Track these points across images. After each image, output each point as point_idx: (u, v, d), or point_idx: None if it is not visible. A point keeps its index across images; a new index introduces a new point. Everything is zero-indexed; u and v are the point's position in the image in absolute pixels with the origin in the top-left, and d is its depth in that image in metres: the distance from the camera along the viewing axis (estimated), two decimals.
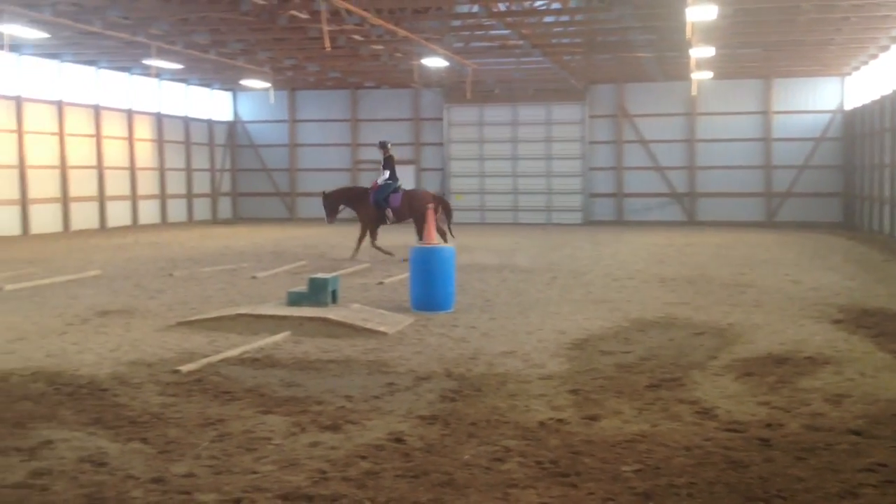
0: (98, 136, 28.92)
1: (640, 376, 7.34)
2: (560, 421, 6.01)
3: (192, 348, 8.58)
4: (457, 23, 21.35)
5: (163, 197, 32.38)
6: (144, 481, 4.84)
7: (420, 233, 18.19)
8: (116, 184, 29.87)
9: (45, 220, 26.44)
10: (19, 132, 25.57)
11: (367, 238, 18.16)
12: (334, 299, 10.34)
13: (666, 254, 19.25)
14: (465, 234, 24.37)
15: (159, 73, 28.96)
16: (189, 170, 33.84)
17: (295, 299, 10.28)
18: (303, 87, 34.81)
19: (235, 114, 36.58)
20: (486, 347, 8.64)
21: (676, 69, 27.65)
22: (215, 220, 34.58)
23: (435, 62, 24.32)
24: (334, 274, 11.38)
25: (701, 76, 26.37)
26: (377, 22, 18.73)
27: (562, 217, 32.67)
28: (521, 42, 22.53)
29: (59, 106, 27.22)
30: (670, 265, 16.73)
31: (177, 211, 33.17)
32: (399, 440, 5.57)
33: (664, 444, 5.48)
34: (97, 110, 28.90)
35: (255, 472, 4.99)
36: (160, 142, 32.24)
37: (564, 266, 16.63)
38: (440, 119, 34.17)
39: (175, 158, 33.15)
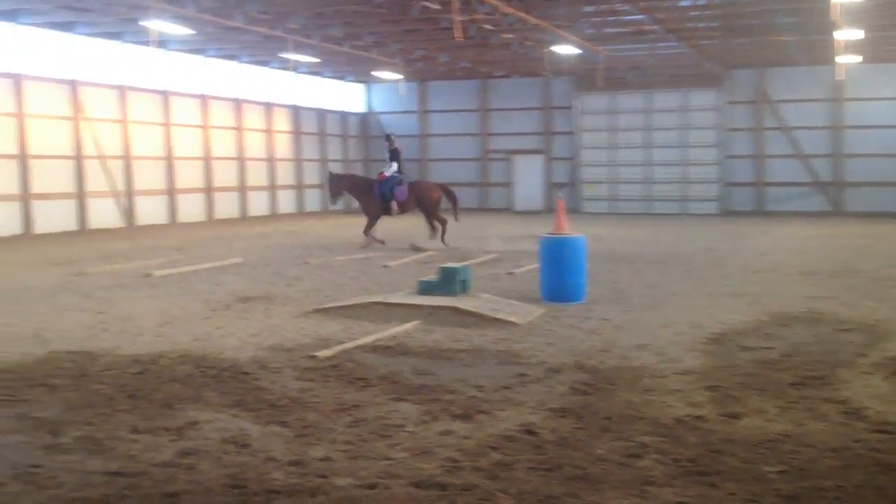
0: (239, 129, 30.07)
1: (783, 374, 7.03)
2: (698, 418, 5.83)
3: (327, 335, 8.79)
4: (589, 9, 21.02)
5: (299, 187, 33.37)
6: (284, 463, 4.98)
7: (430, 222, 18.65)
8: (256, 174, 31.00)
9: (190, 209, 27.71)
10: (167, 125, 26.87)
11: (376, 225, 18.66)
12: (464, 289, 10.37)
13: (809, 245, 18.43)
14: (597, 225, 24.05)
15: (296, 67, 29.82)
16: (324, 160, 34.72)
17: (426, 288, 10.37)
18: (433, 78, 35.11)
19: (368, 105, 37.28)
20: (619, 340, 8.48)
21: (821, 53, 26.37)
22: (348, 210, 35.35)
23: (566, 49, 24.04)
24: (464, 263, 11.42)
25: (848, 60, 25.06)
26: (508, 10, 18.66)
27: (697, 207, 31.76)
28: (655, 27, 22.00)
29: (203, 99, 28.44)
30: (814, 257, 16.01)
31: (312, 200, 34.13)
32: (531, 432, 5.52)
33: (810, 445, 5.23)
34: (238, 103, 30.04)
35: (388, 459, 5.05)
36: (297, 133, 33.24)
37: (700, 257, 16.16)
38: (570, 107, 33.79)
39: (311, 149, 34.10)
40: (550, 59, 26.15)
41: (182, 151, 27.45)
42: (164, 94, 26.82)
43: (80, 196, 23.76)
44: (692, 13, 21.61)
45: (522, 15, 19.40)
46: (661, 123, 32.39)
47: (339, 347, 8.04)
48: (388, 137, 19.66)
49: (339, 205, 22.91)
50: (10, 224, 21.69)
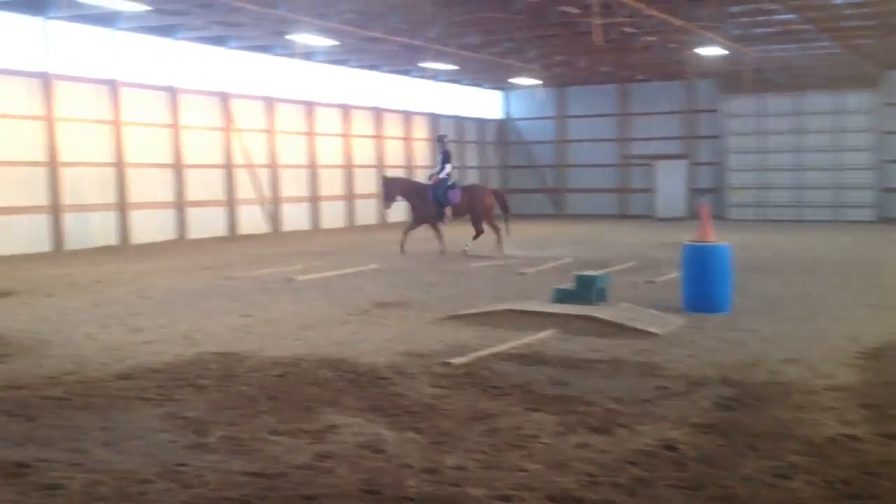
0: (379, 137, 30.67)
1: None
2: (852, 437, 5.47)
3: (462, 342, 8.77)
4: (736, 9, 20.29)
5: None
6: (419, 470, 4.97)
7: (478, 227, 18.32)
8: None
9: (332, 215, 28.46)
10: (311, 134, 27.70)
11: (431, 231, 18.63)
12: (601, 297, 10.16)
13: None
14: (743, 232, 23.15)
15: (434, 75, 30.16)
16: (462, 167, 34.91)
17: (561, 296, 10.22)
18: (572, 83, 34.75)
19: (506, 111, 37.28)
20: (767, 353, 8.08)
21: None
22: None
23: (711, 51, 23.30)
24: (602, 271, 11.20)
25: None
26: (651, 13, 18.24)
27: (851, 213, 30.10)
28: (806, 26, 21.02)
29: (345, 109, 29.16)
30: None
31: None
32: (672, 448, 5.32)
33: None
34: (378, 112, 30.64)
35: (523, 470, 4.97)
36: (435, 141, 33.53)
37: (855, 267, 15.29)
38: (714, 111, 32.73)
39: None
40: (694, 61, 25.39)
41: (324, 160, 28.22)
42: (309, 105, 27.66)
43: (231, 203, 24.80)
44: (846, 11, 20.51)
45: (665, 17, 18.91)
46: (812, 126, 30.90)
47: (474, 355, 8.01)
48: (440, 139, 19.55)
49: (392, 210, 22.55)
50: (166, 230, 22.87)
